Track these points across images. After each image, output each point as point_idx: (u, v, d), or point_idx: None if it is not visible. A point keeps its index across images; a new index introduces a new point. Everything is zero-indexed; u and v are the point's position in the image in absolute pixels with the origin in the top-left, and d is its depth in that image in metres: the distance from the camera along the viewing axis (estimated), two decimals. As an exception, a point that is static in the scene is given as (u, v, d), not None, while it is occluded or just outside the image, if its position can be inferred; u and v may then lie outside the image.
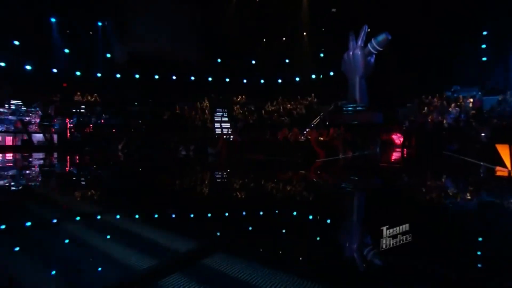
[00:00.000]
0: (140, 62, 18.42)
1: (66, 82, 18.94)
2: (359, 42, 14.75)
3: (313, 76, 20.44)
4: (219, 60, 21.75)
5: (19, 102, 15.37)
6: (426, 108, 13.39)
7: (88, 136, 13.84)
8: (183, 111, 16.87)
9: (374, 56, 14.86)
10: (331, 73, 19.60)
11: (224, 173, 5.86)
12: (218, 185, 4.65)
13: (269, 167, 6.47)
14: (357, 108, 14.85)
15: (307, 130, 9.59)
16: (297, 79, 20.97)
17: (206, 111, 17.25)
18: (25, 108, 14.18)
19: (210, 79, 21.75)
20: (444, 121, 11.54)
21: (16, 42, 17.58)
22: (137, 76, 20.32)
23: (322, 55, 20.28)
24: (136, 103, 16.87)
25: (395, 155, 10.59)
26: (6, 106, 14.69)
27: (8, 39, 17.27)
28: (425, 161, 8.20)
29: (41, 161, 8.19)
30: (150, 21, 17.60)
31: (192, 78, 21.50)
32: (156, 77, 20.42)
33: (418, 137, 11.97)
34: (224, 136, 11.28)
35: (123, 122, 15.53)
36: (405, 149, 12.06)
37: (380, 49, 14.35)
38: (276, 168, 6.29)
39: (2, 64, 17.50)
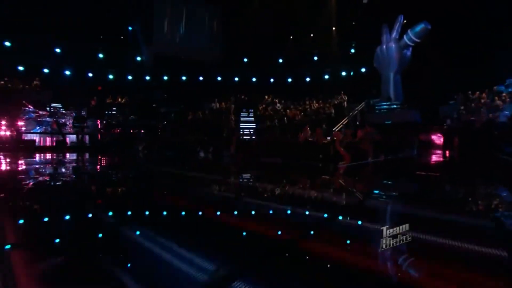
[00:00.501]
0: (166, 64, 18.61)
1: (100, 85, 19.79)
2: (394, 35, 13.43)
3: (343, 74, 19.25)
4: (245, 60, 21.40)
5: (59, 105, 16.21)
6: (472, 105, 11.78)
7: (117, 137, 14.12)
8: (207, 112, 16.67)
9: (410, 49, 13.45)
10: (363, 70, 18.29)
11: (226, 179, 5.32)
12: (206, 196, 4.13)
13: (282, 171, 5.83)
14: (392, 106, 13.55)
15: (334, 131, 8.77)
16: (326, 77, 19.89)
17: (231, 111, 16.88)
18: (62, 111, 14.84)
19: (236, 79, 21.47)
20: (496, 119, 9.97)
21: (58, 50, 18.68)
22: (165, 77, 20.66)
23: (353, 50, 19.01)
24: (163, 105, 16.98)
25: (435, 158, 9.33)
26: (47, 109, 15.50)
27: (51, 46, 18.39)
28: (473, 165, 7.00)
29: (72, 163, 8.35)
30: (175, 22, 17.65)
31: (219, 78, 21.39)
32: (184, 78, 20.56)
33: (463, 137, 10.49)
34: (238, 137, 10.73)
35: (150, 123, 15.70)
36: (447, 151, 10.65)
37: (418, 40, 12.92)
38: (288, 172, 5.62)
39: (46, 70, 18.70)
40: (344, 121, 13.75)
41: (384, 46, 13.81)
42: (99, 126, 14.50)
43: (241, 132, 14.39)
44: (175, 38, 17.72)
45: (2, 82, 16.16)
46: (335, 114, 14.99)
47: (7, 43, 17.32)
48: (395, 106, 13.45)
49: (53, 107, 15.63)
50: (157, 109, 16.58)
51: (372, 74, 16.05)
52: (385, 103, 13.64)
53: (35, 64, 18.05)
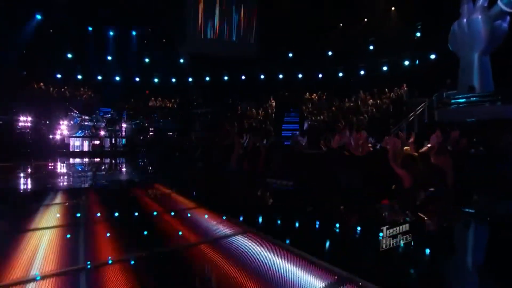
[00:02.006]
0: (204, 63, 17.45)
1: (147, 88, 19.71)
2: (480, 2, 9.68)
3: (407, 63, 15.49)
4: (290, 55, 19.07)
5: (108, 109, 16.28)
6: None
7: (151, 141, 13.27)
8: (246, 112, 14.87)
9: (508, 18, 9.57)
10: (432, 56, 14.36)
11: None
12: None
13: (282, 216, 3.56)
14: (474, 99, 9.83)
15: (388, 136, 6.06)
16: (385, 68, 16.34)
17: (270, 111, 14.79)
18: (101, 114, 14.69)
19: (280, 76, 19.29)
20: None
21: (109, 57, 19.13)
22: (207, 78, 19.62)
23: (418, 34, 15.15)
24: (200, 106, 15.78)
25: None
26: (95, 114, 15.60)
27: (103, 55, 18.88)
28: None
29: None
30: (208, 16, 16.27)
31: (262, 76, 19.49)
32: (226, 78, 19.18)
33: None
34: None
35: (188, 126, 14.54)
36: None
37: (519, 6, 9.06)
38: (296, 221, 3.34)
39: (99, 77, 19.31)
40: (406, 120, 10.50)
41: (465, 20, 10.13)
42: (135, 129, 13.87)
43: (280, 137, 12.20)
44: (209, 34, 16.34)
45: (62, 90, 17.03)
46: (393, 111, 11.74)
47: (69, 55, 18.26)
48: (480, 98, 9.70)
49: (103, 111, 15.66)
50: (193, 111, 15.39)
51: (446, 61, 12.28)
52: (465, 96, 9.97)
53: (89, 72, 18.75)
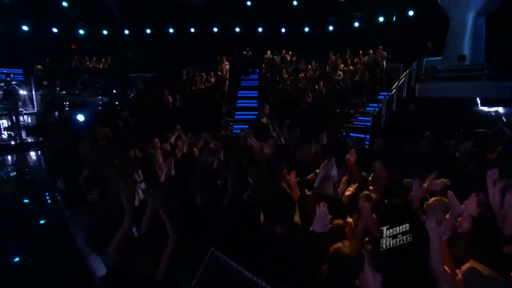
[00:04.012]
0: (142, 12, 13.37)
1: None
2: None
3: (381, 19, 13.17)
4: (248, 3, 15.50)
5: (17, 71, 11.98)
6: None
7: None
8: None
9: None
10: (411, 13, 12.17)
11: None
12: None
13: None
14: (457, 74, 8.14)
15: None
16: (356, 24, 13.89)
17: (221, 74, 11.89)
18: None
19: (238, 29, 15.90)
20: None
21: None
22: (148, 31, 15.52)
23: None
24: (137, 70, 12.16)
25: None
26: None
27: None
28: None
29: None
30: None
31: (215, 29, 15.88)
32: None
33: None
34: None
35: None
36: None
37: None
38: None
39: None
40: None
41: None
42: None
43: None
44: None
45: None
46: (369, 81, 9.77)
47: None
48: (468, 72, 8.01)
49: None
50: (128, 75, 11.85)
51: (428, 19, 10.25)
52: (453, 66, 8.23)
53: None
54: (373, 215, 2.12)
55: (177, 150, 5.12)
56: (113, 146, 5.08)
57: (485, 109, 7.60)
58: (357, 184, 2.89)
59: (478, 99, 7.78)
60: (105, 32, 15.57)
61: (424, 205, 2.43)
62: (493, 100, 7.32)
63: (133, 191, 2.56)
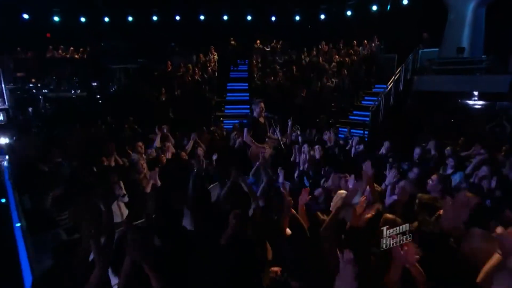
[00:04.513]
0: None
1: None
2: None
3: (374, 8, 12.69)
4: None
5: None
6: None
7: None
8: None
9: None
10: (405, 1, 11.73)
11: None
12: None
13: None
14: (456, 66, 7.85)
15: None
16: (349, 13, 13.37)
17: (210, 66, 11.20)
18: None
19: (225, 17, 15.05)
20: None
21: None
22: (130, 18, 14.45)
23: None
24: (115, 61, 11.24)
25: None
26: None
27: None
28: None
29: None
30: None
31: (202, 17, 14.98)
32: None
33: None
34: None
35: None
36: None
37: None
38: None
39: None
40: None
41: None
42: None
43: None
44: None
45: None
46: (365, 73, 9.36)
47: None
48: (465, 64, 7.73)
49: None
50: (109, 67, 10.93)
51: (424, 8, 9.87)
52: (451, 59, 7.92)
53: None
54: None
55: (162, 156, 4.57)
56: (90, 153, 4.47)
57: (483, 103, 7.38)
58: (377, 206, 2.48)
59: (475, 93, 7.57)
60: (82, 19, 14.40)
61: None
62: (491, 94, 7.08)
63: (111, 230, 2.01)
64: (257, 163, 4.21)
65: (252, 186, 3.84)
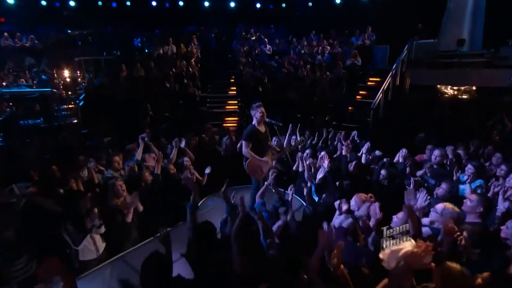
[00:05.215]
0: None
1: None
2: None
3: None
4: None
5: None
6: None
7: None
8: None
9: None
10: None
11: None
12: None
13: None
14: (455, 60, 7.49)
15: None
16: (338, 0, 12.69)
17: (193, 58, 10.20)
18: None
19: (206, 3, 13.86)
20: None
21: None
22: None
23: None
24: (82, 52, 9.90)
25: None
26: None
27: None
28: None
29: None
30: None
31: (181, 3, 13.69)
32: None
33: None
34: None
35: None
36: None
37: None
38: None
39: None
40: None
41: None
42: None
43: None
44: None
45: None
46: (361, 68, 8.84)
47: None
48: (465, 57, 7.38)
49: None
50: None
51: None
52: (450, 52, 7.54)
53: None
54: None
55: (145, 173, 3.77)
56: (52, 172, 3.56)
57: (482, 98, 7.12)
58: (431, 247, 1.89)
59: (474, 88, 7.31)
60: (43, 2, 12.67)
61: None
62: (492, 89, 6.81)
63: None
64: (266, 183, 3.57)
65: (262, 210, 3.21)
